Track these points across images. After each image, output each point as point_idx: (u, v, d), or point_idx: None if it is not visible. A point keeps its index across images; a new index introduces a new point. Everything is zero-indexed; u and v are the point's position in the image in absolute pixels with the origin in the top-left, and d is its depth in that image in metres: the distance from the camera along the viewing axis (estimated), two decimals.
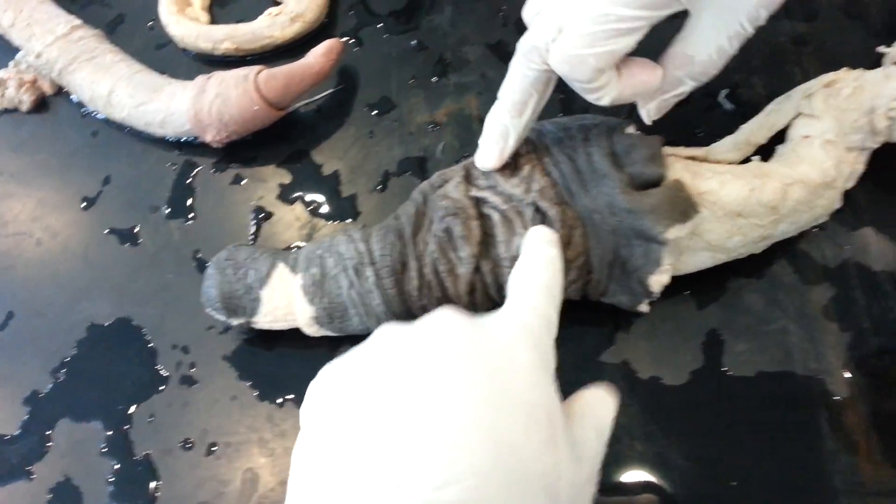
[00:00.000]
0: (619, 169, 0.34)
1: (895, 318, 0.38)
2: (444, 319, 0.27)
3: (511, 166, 0.36)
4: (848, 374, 0.37)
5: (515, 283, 0.30)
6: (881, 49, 0.40)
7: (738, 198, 0.34)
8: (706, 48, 0.31)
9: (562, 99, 0.46)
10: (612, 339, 0.39)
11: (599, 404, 0.29)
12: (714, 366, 0.38)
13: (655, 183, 0.34)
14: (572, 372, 0.38)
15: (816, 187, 0.35)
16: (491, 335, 0.26)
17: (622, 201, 0.33)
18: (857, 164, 0.39)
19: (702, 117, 0.44)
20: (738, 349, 0.38)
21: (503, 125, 0.35)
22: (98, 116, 0.49)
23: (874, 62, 0.42)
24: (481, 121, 0.45)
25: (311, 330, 0.38)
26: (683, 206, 0.33)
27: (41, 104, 0.51)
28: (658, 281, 0.35)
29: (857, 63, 0.41)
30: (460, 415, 0.23)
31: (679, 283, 0.38)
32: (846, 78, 0.39)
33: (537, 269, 0.31)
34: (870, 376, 0.37)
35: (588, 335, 0.39)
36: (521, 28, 0.47)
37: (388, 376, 0.25)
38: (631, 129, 0.35)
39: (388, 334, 0.27)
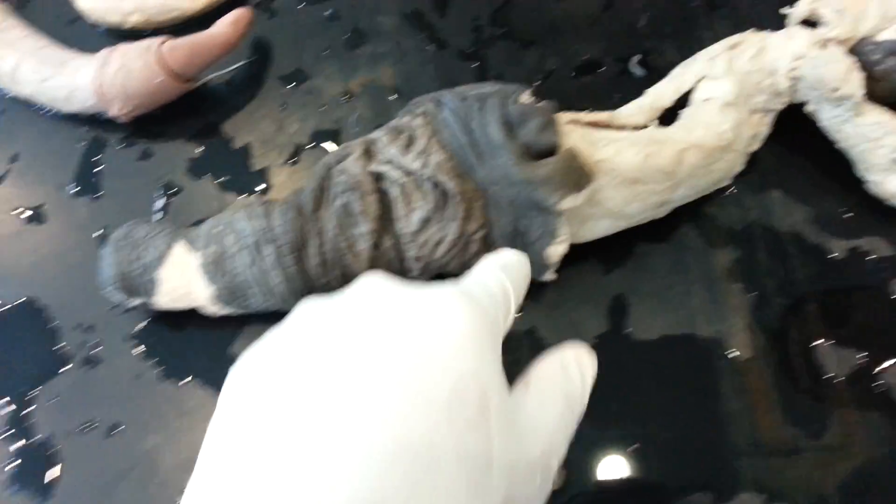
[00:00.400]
0: (512, 139, 0.33)
1: (798, 279, 0.38)
2: (369, 287, 0.24)
3: (408, 139, 0.35)
4: (750, 336, 0.37)
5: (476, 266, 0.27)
6: (785, 10, 0.40)
7: (634, 164, 0.34)
8: None
9: (477, 66, 0.45)
10: (520, 308, 0.39)
11: (570, 367, 0.25)
12: (619, 330, 0.38)
13: (550, 152, 0.33)
14: None
15: (713, 151, 0.35)
16: (421, 302, 0.23)
17: (516, 172, 0.33)
18: (761, 126, 0.39)
19: (614, 83, 0.44)
20: (642, 313, 0.38)
21: None
22: (4, 93, 0.47)
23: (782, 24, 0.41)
24: (397, 91, 0.44)
25: (214, 309, 0.37)
26: (577, 176, 0.33)
27: None
28: (556, 251, 0.34)
29: (769, 26, 0.41)
30: (371, 394, 0.20)
31: (585, 250, 0.38)
32: (750, 40, 0.39)
33: (497, 254, 0.28)
34: (772, 337, 0.37)
35: None
36: None
37: (305, 357, 0.22)
38: (526, 97, 0.34)
39: (309, 309, 0.24)
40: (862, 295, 0.38)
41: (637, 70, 0.44)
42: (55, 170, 0.45)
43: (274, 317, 0.37)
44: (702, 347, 0.37)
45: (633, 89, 0.41)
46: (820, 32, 0.37)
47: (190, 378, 0.38)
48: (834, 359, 0.36)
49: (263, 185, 0.43)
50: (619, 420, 0.36)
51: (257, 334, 0.38)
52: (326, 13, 0.49)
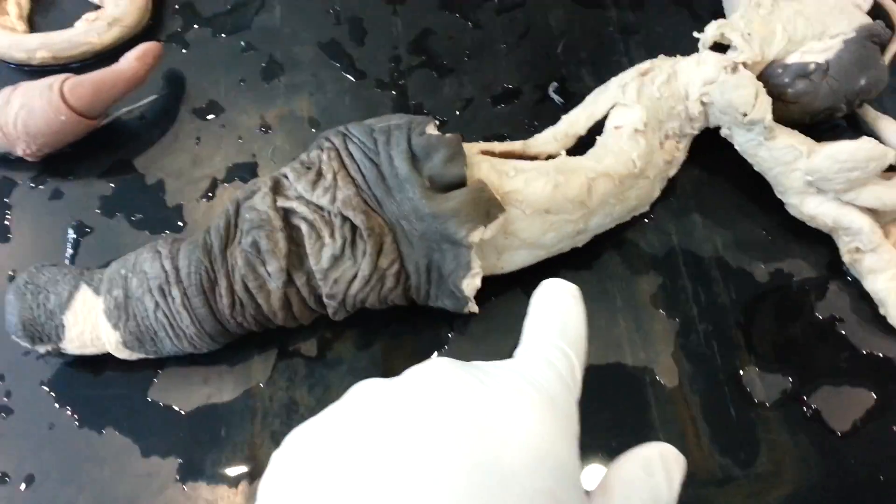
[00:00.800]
0: (419, 172, 0.32)
1: (722, 303, 0.38)
2: (433, 376, 0.21)
3: (317, 174, 0.34)
4: (676, 363, 0.37)
5: (527, 333, 0.25)
6: (696, 34, 0.40)
7: (544, 195, 0.33)
8: None
9: (396, 96, 0.45)
10: (446, 341, 0.38)
11: (654, 469, 0.23)
12: None
13: (458, 184, 0.32)
14: (403, 370, 0.37)
15: (624, 179, 0.35)
16: (491, 403, 0.20)
17: (424, 206, 0.32)
18: (676, 152, 0.39)
19: (533, 111, 0.44)
20: None
21: None
22: None
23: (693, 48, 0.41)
24: (313, 122, 0.43)
25: (123, 354, 0.35)
26: (486, 207, 0.32)
27: None
28: (470, 284, 0.33)
29: (684, 51, 0.41)
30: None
31: (509, 280, 0.37)
32: (661, 66, 0.39)
33: (552, 314, 0.25)
34: (696, 364, 0.37)
35: (423, 338, 0.38)
36: (353, 25, 0.46)
37: (358, 446, 0.19)
38: (431, 129, 0.33)
39: (365, 391, 0.22)
40: (787, 317, 0.38)
41: (555, 97, 0.44)
42: None
43: (190, 360, 0.36)
44: (629, 376, 0.37)
45: (552, 116, 0.41)
46: (729, 57, 0.38)
47: (107, 425, 0.36)
48: (761, 384, 0.36)
49: (180, 223, 0.42)
50: None
51: (174, 377, 0.36)
52: (241, 43, 0.47)
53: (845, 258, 0.37)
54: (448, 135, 0.33)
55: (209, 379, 0.37)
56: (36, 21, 0.50)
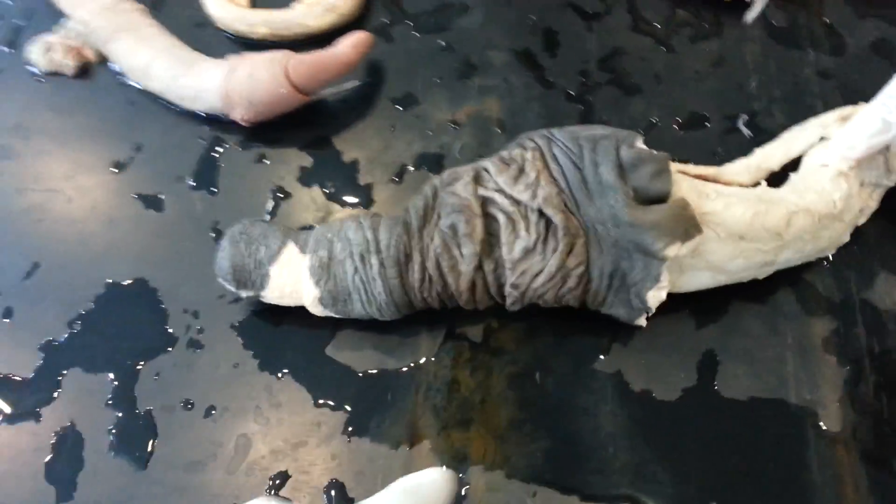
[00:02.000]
0: (624, 182, 0.33)
1: (895, 358, 0.37)
2: None
3: (518, 170, 0.35)
4: (841, 409, 0.36)
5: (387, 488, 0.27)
6: None
7: (742, 221, 0.33)
8: None
9: (581, 109, 0.46)
10: (607, 350, 0.39)
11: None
12: (707, 386, 0.37)
13: (660, 199, 0.33)
14: (565, 376, 0.38)
15: (822, 218, 0.34)
16: None
17: (625, 215, 0.33)
18: (870, 201, 0.38)
19: (719, 140, 0.44)
20: (732, 372, 0.37)
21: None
22: (136, 86, 0.50)
23: None
24: (500, 124, 0.45)
25: (316, 310, 0.38)
26: (686, 225, 0.32)
27: (84, 70, 0.51)
28: (655, 296, 0.34)
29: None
30: None
31: (679, 301, 0.38)
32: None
33: (411, 478, 0.27)
34: (863, 414, 0.36)
35: (584, 342, 0.39)
36: (548, 37, 0.47)
37: None
38: (640, 143, 0.34)
39: None
40: None
41: (745, 129, 0.44)
42: (175, 163, 0.47)
43: (366, 326, 0.38)
44: (791, 415, 0.36)
45: (738, 148, 0.41)
46: None
47: (286, 372, 0.39)
48: None
49: (367, 200, 0.44)
50: (699, 476, 0.35)
51: (350, 339, 0.39)
52: (440, 43, 0.50)
53: None
54: (657, 151, 0.34)
55: (381, 346, 0.39)
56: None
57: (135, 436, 0.37)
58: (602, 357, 0.38)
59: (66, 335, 0.40)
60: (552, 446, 0.36)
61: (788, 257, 0.36)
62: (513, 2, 0.51)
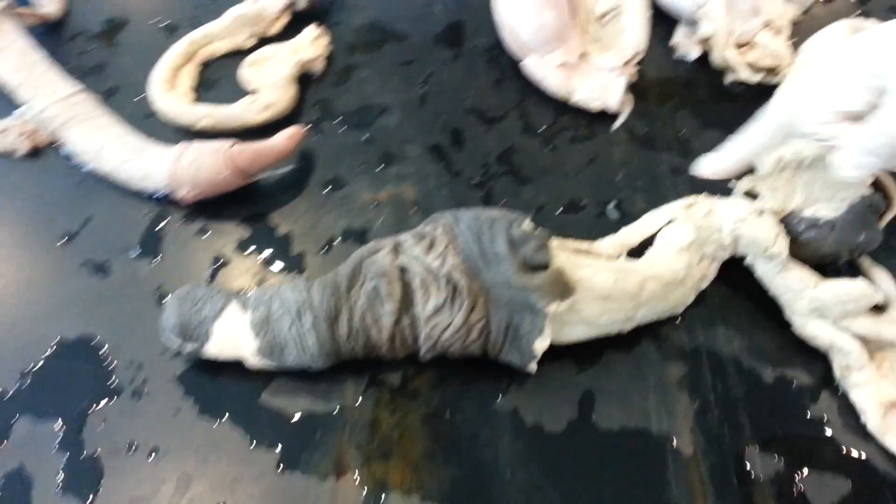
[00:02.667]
0: (514, 254, 0.41)
1: (734, 395, 0.45)
2: None
3: (430, 243, 0.43)
4: (692, 436, 0.44)
5: None
6: (731, 184, 0.49)
7: (606, 285, 0.42)
8: None
9: (483, 195, 0.54)
10: (506, 391, 0.45)
11: None
12: (586, 419, 0.44)
13: (543, 267, 0.41)
14: (470, 414, 0.44)
15: (669, 283, 0.43)
16: None
17: (515, 279, 0.40)
18: (708, 271, 0.48)
19: (593, 221, 0.53)
20: (606, 408, 0.45)
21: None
22: (85, 169, 0.55)
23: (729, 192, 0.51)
24: (415, 204, 0.53)
25: (254, 361, 0.43)
26: (562, 288, 0.40)
27: (35, 152, 0.56)
28: (541, 345, 0.41)
29: (718, 193, 0.50)
30: None
31: (562, 351, 0.45)
32: (703, 202, 0.48)
33: None
34: (709, 439, 0.44)
35: (486, 386, 0.45)
36: (455, 135, 0.56)
37: None
38: (527, 224, 0.42)
39: None
40: (785, 414, 0.45)
41: (613, 213, 0.53)
42: (122, 234, 0.51)
43: (296, 377, 0.44)
44: (653, 442, 0.43)
45: (608, 228, 0.50)
46: (758, 204, 0.47)
47: (223, 417, 0.43)
48: (760, 462, 0.43)
49: (300, 268, 0.50)
50: (582, 496, 0.41)
51: (283, 387, 0.44)
52: (364, 137, 0.58)
53: (836, 373, 0.45)
54: (540, 229, 0.42)
55: (311, 393, 0.45)
56: (197, 95, 0.61)
57: (82, 477, 0.41)
58: (501, 397, 0.45)
59: (16, 387, 0.44)
60: (460, 473, 0.42)
61: (645, 314, 0.44)
62: (426, 106, 0.60)
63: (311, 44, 0.63)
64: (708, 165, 0.46)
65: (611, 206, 0.54)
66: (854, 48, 0.40)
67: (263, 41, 0.65)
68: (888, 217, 0.51)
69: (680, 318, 0.48)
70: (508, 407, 0.45)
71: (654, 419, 0.44)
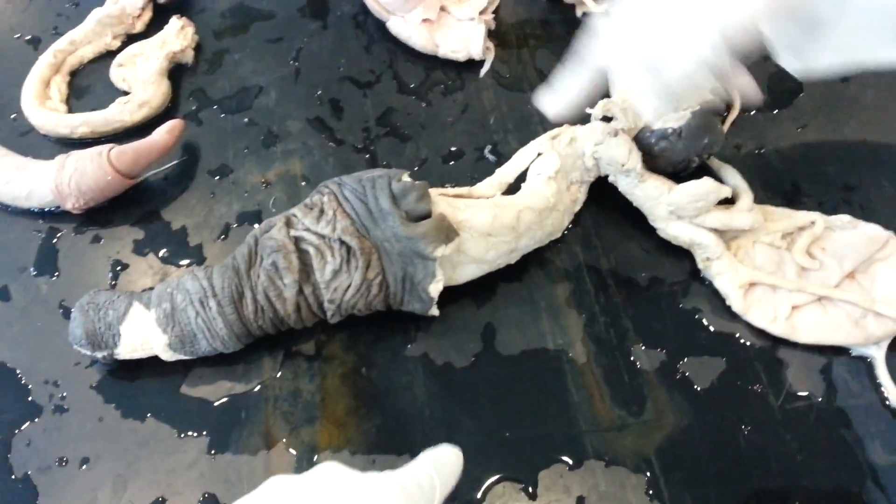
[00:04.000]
0: (398, 207, 0.42)
1: (615, 301, 0.48)
2: (327, 472, 0.29)
3: (319, 212, 0.43)
4: (584, 346, 0.46)
5: (414, 460, 0.32)
6: (588, 110, 0.51)
7: (486, 223, 0.43)
8: None
9: (368, 157, 0.54)
10: (414, 339, 0.47)
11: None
12: (490, 350, 0.46)
13: (425, 216, 0.42)
14: (385, 365, 0.45)
15: (542, 211, 0.45)
16: (366, 488, 0.28)
17: (401, 231, 0.41)
18: (578, 194, 0.50)
19: (472, 166, 0.54)
20: (506, 335, 0.47)
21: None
22: None
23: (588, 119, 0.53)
24: (304, 178, 0.52)
25: (167, 356, 0.43)
26: (446, 231, 0.42)
27: None
28: (435, 288, 0.43)
29: (580, 121, 0.52)
30: None
31: (460, 291, 0.47)
32: (565, 131, 0.50)
33: (436, 455, 0.32)
34: (599, 345, 0.46)
35: (395, 337, 0.47)
36: (333, 105, 0.56)
37: None
38: (406, 177, 0.43)
39: (277, 485, 0.29)
40: (662, 309, 0.48)
41: (490, 156, 0.54)
42: (16, 256, 0.49)
43: (214, 361, 0.44)
44: (550, 357, 0.46)
45: (488, 170, 0.51)
46: (612, 125, 0.49)
47: (147, 415, 0.43)
48: (645, 357, 0.46)
49: (200, 258, 0.50)
50: (495, 417, 0.44)
51: (202, 375, 0.44)
52: (245, 120, 0.57)
53: (700, 265, 0.48)
54: (418, 181, 0.43)
55: (230, 375, 0.45)
56: (72, 103, 0.58)
57: (17, 499, 0.40)
58: (410, 345, 0.46)
59: None
60: (383, 422, 0.44)
61: (527, 243, 0.46)
62: (301, 80, 0.59)
63: (178, 35, 0.60)
64: (547, 106, 0.44)
65: (487, 150, 0.55)
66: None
67: (130, 39, 0.62)
68: (731, 117, 0.54)
69: (560, 241, 0.50)
70: (419, 352, 0.46)
71: (549, 338, 0.47)
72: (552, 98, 0.43)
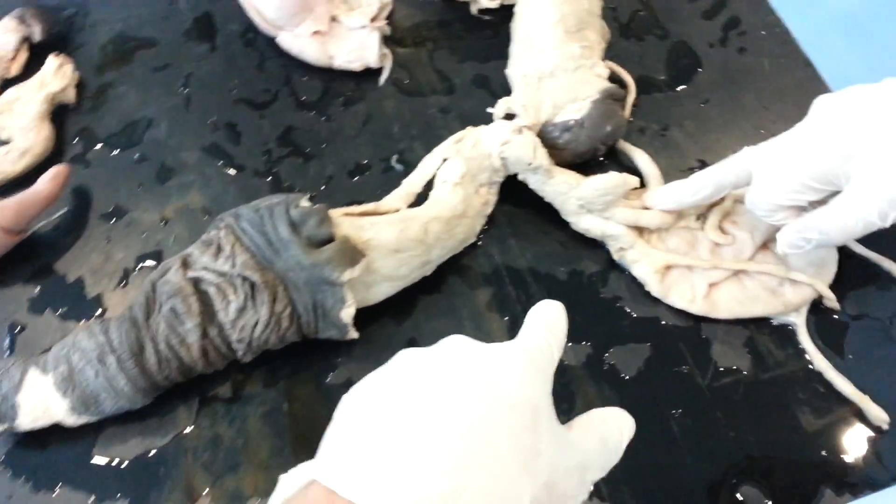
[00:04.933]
0: (298, 235, 0.40)
1: (537, 300, 0.47)
2: (454, 343, 0.30)
3: (217, 248, 0.41)
4: None
5: (525, 325, 0.33)
6: (490, 109, 0.51)
7: (392, 239, 0.42)
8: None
9: (271, 181, 0.53)
10: (336, 366, 0.45)
11: (610, 421, 0.32)
12: None
13: (329, 240, 0.41)
14: (308, 398, 0.44)
15: (450, 220, 0.44)
16: (492, 355, 0.29)
17: (304, 259, 0.40)
18: (489, 196, 0.49)
19: (380, 179, 0.53)
20: None
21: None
22: None
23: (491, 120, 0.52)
24: (206, 211, 0.50)
25: (72, 420, 0.40)
26: (351, 254, 0.40)
27: None
28: (347, 313, 0.41)
29: (486, 120, 0.51)
30: (455, 418, 0.26)
31: (379, 310, 0.46)
32: (470, 134, 0.49)
33: (543, 317, 0.33)
34: None
35: (317, 366, 0.45)
36: (229, 130, 0.53)
37: (406, 390, 0.28)
38: (304, 202, 0.42)
39: (407, 356, 0.30)
40: (584, 302, 0.48)
41: (398, 166, 0.53)
42: None
43: (124, 418, 0.42)
44: None
45: (397, 181, 0.50)
46: (515, 123, 0.48)
47: (60, 486, 0.40)
48: (571, 352, 0.46)
49: (100, 310, 0.47)
50: None
51: (114, 434, 0.42)
52: (135, 157, 0.54)
53: (615, 256, 0.48)
54: (317, 205, 0.41)
55: (144, 431, 0.43)
56: None
57: None
58: (332, 373, 0.45)
59: None
60: (310, 458, 0.42)
61: (439, 254, 0.45)
62: (192, 107, 0.56)
63: (56, 74, 0.57)
64: (661, 201, 0.47)
65: (394, 159, 0.54)
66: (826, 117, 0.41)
67: (7, 84, 0.58)
68: (630, 101, 0.54)
69: (476, 245, 0.49)
70: (342, 379, 0.45)
71: None
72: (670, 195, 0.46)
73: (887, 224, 0.39)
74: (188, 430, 0.43)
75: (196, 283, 0.41)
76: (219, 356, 0.42)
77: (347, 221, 0.43)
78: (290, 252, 0.41)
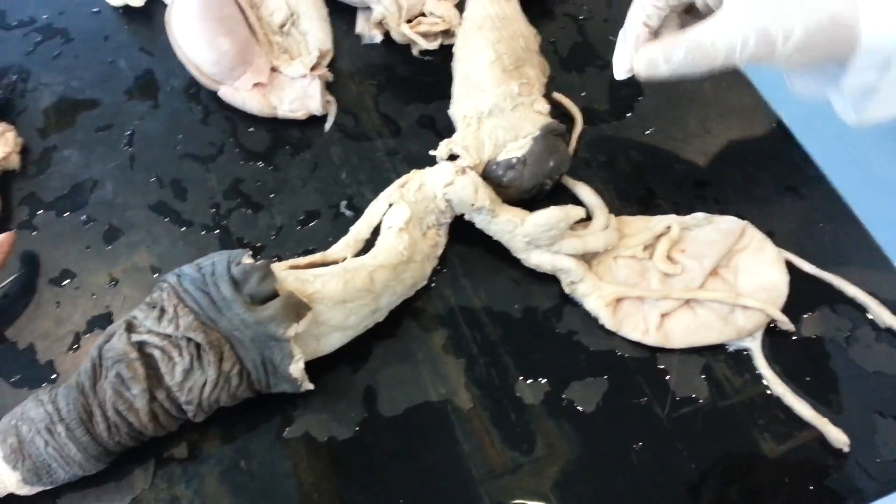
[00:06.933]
0: (240, 292, 0.42)
1: (493, 340, 0.50)
2: None
3: (160, 310, 0.43)
4: (468, 391, 0.48)
5: None
6: (432, 152, 0.53)
7: (338, 291, 0.44)
8: None
9: (219, 234, 0.55)
10: (292, 419, 0.47)
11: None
12: (374, 414, 0.47)
13: (272, 296, 0.43)
14: (264, 454, 0.45)
15: (396, 266, 0.47)
16: None
17: (248, 317, 0.42)
18: (438, 237, 0.51)
19: (331, 226, 0.55)
20: (388, 396, 0.48)
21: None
22: None
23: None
24: (154, 269, 0.52)
25: (24, 491, 0.42)
26: (296, 309, 0.42)
27: None
28: (297, 368, 0.43)
29: (433, 162, 0.54)
30: None
31: (333, 359, 0.48)
32: (414, 177, 0.51)
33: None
34: (482, 388, 0.48)
35: (272, 421, 0.47)
36: (175, 186, 0.55)
37: None
38: (246, 259, 0.44)
39: None
40: (539, 339, 0.50)
41: (347, 212, 0.56)
42: None
43: (81, 484, 0.43)
44: (436, 410, 0.47)
45: (347, 226, 0.52)
46: (458, 164, 0.51)
47: None
48: (529, 391, 0.48)
49: (53, 375, 0.49)
50: (391, 485, 0.44)
51: (71, 502, 0.43)
52: (82, 218, 0.56)
53: (566, 289, 0.51)
54: (259, 262, 0.44)
55: (100, 496, 0.44)
56: None
57: None
58: (289, 427, 0.47)
59: None
60: None
61: (388, 301, 0.47)
62: (137, 166, 0.59)
63: None
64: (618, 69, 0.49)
65: (343, 205, 0.56)
66: None
67: None
68: (575, 135, 0.57)
69: (429, 287, 0.52)
70: (299, 432, 0.47)
71: (431, 390, 0.48)
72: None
73: (745, 56, 0.42)
74: (144, 492, 0.44)
75: (141, 346, 0.43)
76: (169, 419, 0.43)
77: (292, 275, 0.45)
78: (233, 311, 0.43)
